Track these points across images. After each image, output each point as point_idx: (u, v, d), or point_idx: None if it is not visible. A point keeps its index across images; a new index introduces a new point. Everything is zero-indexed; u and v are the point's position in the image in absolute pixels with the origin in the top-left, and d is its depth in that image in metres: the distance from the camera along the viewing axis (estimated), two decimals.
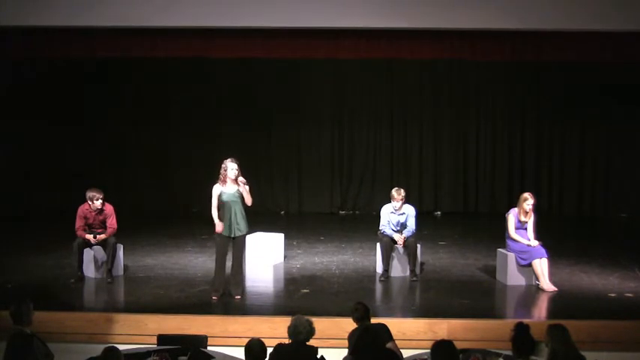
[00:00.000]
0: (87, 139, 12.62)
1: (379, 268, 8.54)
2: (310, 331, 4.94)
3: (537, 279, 8.00)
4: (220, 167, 7.43)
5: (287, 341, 4.96)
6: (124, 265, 8.59)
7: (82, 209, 8.12)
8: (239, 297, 7.57)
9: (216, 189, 7.45)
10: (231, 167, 7.33)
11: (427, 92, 12.93)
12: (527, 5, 8.41)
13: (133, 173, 12.69)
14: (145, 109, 12.67)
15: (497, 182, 12.96)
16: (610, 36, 8.76)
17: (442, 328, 6.73)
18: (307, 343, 4.95)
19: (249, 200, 7.40)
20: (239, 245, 7.57)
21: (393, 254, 8.47)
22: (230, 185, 7.38)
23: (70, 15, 8.43)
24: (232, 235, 7.47)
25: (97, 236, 8.12)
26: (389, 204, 8.42)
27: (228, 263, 7.69)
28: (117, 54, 9.54)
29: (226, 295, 7.60)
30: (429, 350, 4.55)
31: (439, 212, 12.99)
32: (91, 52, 9.43)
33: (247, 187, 7.38)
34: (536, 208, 8.30)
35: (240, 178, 7.32)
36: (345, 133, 13.10)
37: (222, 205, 7.42)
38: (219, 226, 7.47)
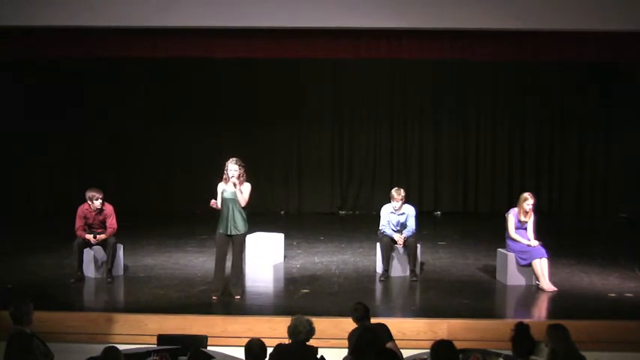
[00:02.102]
0: (87, 138, 12.62)
1: (379, 268, 8.54)
2: (310, 331, 4.94)
3: (537, 279, 8.00)
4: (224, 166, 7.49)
5: (287, 341, 4.96)
6: (124, 265, 8.59)
7: (82, 209, 8.12)
8: (239, 297, 7.57)
9: (219, 187, 7.55)
10: (230, 168, 7.38)
11: (427, 92, 12.94)
12: (527, 5, 8.41)
13: (133, 173, 12.70)
14: (145, 109, 12.67)
15: (497, 182, 12.96)
16: (610, 36, 8.76)
17: (442, 328, 6.73)
18: (307, 343, 4.95)
19: (241, 201, 7.41)
20: (238, 245, 7.56)
21: (393, 254, 8.47)
22: (230, 184, 7.41)
23: (70, 15, 8.43)
24: (228, 233, 7.48)
25: (97, 236, 8.12)
26: (389, 204, 8.42)
27: (228, 263, 7.69)
28: (117, 54, 9.54)
29: (226, 294, 7.60)
30: (429, 350, 4.55)
31: (439, 212, 12.99)
32: (91, 52, 9.43)
33: (243, 188, 7.39)
34: (536, 208, 8.30)
35: (233, 180, 7.33)
36: (345, 133, 13.11)
37: (222, 203, 7.48)
38: (213, 203, 7.49)
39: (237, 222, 7.45)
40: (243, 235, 7.60)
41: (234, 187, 7.36)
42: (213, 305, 7.36)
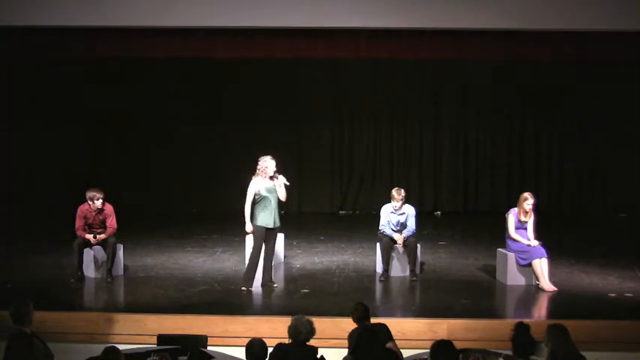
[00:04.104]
0: (87, 138, 12.61)
1: (379, 268, 8.54)
2: (310, 331, 4.94)
3: (537, 279, 7.99)
4: (257, 163, 7.81)
5: (287, 341, 4.96)
6: (124, 265, 8.58)
7: (82, 209, 8.11)
8: (276, 285, 8.02)
9: (256, 184, 7.76)
10: (269, 164, 7.72)
11: (427, 92, 12.93)
12: (528, 5, 8.41)
13: (133, 173, 12.69)
14: (145, 109, 12.66)
15: (497, 182, 12.95)
16: (610, 36, 8.76)
17: (442, 328, 6.72)
18: (307, 343, 4.95)
19: (283, 196, 7.79)
20: (275, 237, 7.97)
21: (393, 254, 8.47)
22: (268, 180, 7.73)
23: (70, 15, 8.43)
24: (273, 226, 7.80)
25: (97, 236, 8.11)
26: (389, 204, 8.42)
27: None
28: (117, 54, 9.55)
29: (265, 285, 7.90)
30: (429, 350, 4.55)
31: (439, 212, 12.99)
32: (90, 52, 9.43)
33: (282, 182, 7.78)
34: (536, 208, 8.29)
35: (277, 176, 7.75)
36: (345, 132, 13.10)
37: (262, 199, 7.73)
38: (248, 227, 7.82)
39: (277, 215, 7.82)
40: (279, 228, 7.96)
41: (277, 183, 7.72)
42: (213, 305, 7.35)
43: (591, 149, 12.81)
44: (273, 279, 8.02)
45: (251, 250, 7.87)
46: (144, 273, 8.59)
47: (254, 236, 7.83)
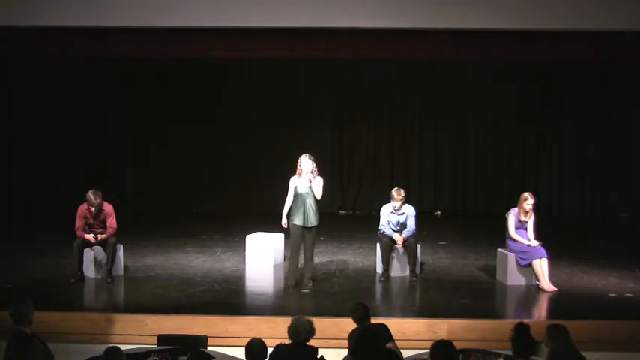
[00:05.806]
0: (87, 139, 12.62)
1: (379, 268, 8.55)
2: (310, 332, 4.94)
3: (537, 279, 8.00)
4: (297, 162, 7.88)
5: (287, 341, 4.97)
6: (124, 265, 8.58)
7: (82, 209, 8.11)
8: (309, 290, 7.88)
9: (292, 182, 7.90)
10: (305, 162, 7.78)
11: (427, 92, 12.93)
12: (527, 5, 8.41)
13: (133, 173, 12.69)
14: (145, 110, 12.66)
15: (497, 182, 12.95)
16: (610, 36, 8.76)
17: (442, 328, 6.73)
18: (307, 343, 4.96)
19: (317, 195, 7.80)
20: (312, 237, 7.97)
21: (393, 254, 8.47)
22: (304, 179, 7.78)
23: (70, 15, 8.42)
24: (305, 225, 7.82)
25: (98, 236, 8.11)
26: (389, 204, 8.42)
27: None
28: (117, 54, 9.55)
29: (299, 285, 7.94)
30: (429, 350, 4.55)
31: (439, 212, 13.00)
32: (90, 51, 9.44)
33: (316, 182, 7.78)
34: (536, 208, 8.30)
35: (305, 175, 7.73)
36: (345, 133, 13.10)
37: (297, 197, 7.83)
38: (283, 223, 8.00)
39: (312, 215, 7.83)
40: (316, 227, 7.93)
41: (308, 182, 7.73)
42: (214, 305, 7.35)
43: (591, 149, 12.80)
44: (305, 282, 7.99)
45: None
46: (144, 273, 8.59)
47: (290, 234, 7.98)
